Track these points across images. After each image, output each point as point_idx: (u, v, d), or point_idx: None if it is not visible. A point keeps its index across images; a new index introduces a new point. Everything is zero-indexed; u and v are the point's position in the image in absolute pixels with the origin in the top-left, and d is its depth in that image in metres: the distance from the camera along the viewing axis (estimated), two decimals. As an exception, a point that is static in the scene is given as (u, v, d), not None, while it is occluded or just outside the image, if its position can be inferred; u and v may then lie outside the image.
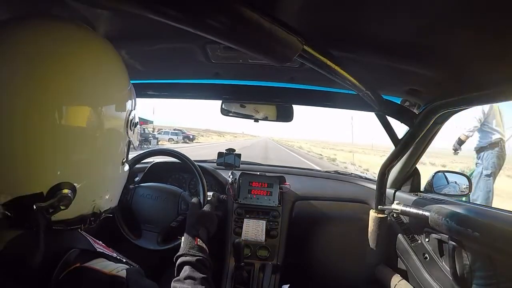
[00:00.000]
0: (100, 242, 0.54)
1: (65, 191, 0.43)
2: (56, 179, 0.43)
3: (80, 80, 0.43)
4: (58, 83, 0.41)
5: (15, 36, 0.41)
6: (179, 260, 0.72)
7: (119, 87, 0.51)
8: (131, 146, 0.59)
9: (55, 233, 0.45)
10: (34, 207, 0.40)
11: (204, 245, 0.78)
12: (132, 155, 1.29)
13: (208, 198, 1.22)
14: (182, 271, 0.68)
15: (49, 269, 0.40)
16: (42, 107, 0.40)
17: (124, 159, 0.55)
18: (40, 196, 0.41)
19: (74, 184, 0.44)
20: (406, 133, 1.08)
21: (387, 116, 1.11)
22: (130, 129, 0.54)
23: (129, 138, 0.54)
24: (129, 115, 0.53)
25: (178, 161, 1.22)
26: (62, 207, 0.43)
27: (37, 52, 0.41)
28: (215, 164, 1.51)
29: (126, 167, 0.59)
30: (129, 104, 0.53)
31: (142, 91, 1.20)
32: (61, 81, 0.42)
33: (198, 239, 0.78)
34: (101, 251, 0.49)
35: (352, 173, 1.79)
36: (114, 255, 0.53)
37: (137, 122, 0.57)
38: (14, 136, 0.40)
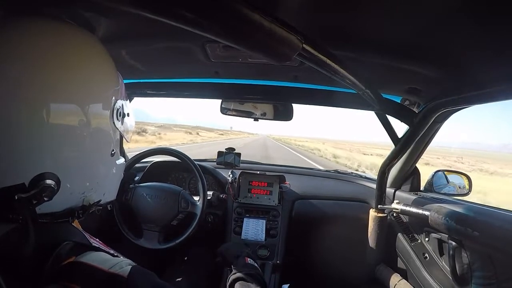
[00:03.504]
0: (97, 239, 0.53)
1: (48, 181, 0.43)
2: (38, 171, 0.42)
3: (66, 77, 0.44)
4: (44, 80, 0.42)
5: (3, 36, 0.42)
6: (230, 279, 0.75)
7: (106, 84, 0.51)
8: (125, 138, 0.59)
9: (46, 226, 0.45)
10: (16, 198, 0.40)
11: (254, 263, 0.82)
12: (131, 154, 1.30)
13: (208, 198, 1.22)
14: None
15: (41, 262, 0.40)
16: (27, 103, 0.41)
17: (113, 151, 0.54)
18: (22, 187, 0.41)
19: (59, 176, 0.44)
20: (406, 132, 1.08)
21: (387, 115, 1.11)
22: (117, 119, 0.53)
23: (117, 129, 0.54)
24: (115, 104, 0.52)
25: (178, 160, 1.22)
26: (45, 198, 0.42)
27: (26, 51, 0.42)
28: (215, 163, 1.51)
29: (120, 160, 0.59)
30: (115, 96, 0.52)
31: (142, 91, 1.20)
32: (48, 79, 0.42)
33: (248, 258, 0.83)
34: (97, 246, 0.49)
35: (352, 172, 1.79)
36: (111, 251, 0.52)
37: (127, 113, 0.56)
38: None
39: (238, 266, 0.79)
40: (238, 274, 0.74)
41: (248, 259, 0.83)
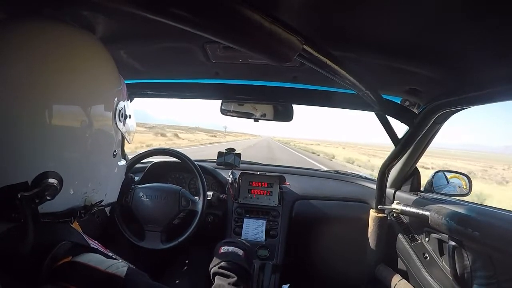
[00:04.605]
0: (96, 241, 0.53)
1: (51, 180, 0.43)
2: (41, 170, 0.42)
3: (67, 78, 0.44)
4: (46, 82, 0.42)
5: (5, 38, 0.42)
6: (211, 273, 0.75)
7: (108, 85, 0.51)
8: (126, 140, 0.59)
9: (46, 225, 0.45)
10: (19, 196, 0.40)
11: (229, 250, 0.80)
12: (132, 154, 1.30)
13: (208, 198, 1.22)
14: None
15: (39, 262, 0.39)
16: (29, 104, 0.41)
17: (115, 151, 0.54)
18: (25, 185, 0.41)
19: (62, 175, 0.44)
20: (406, 133, 1.08)
21: (387, 116, 1.11)
22: (120, 120, 0.53)
23: (120, 130, 0.54)
24: (117, 105, 0.52)
25: (178, 160, 1.22)
26: (47, 197, 0.42)
27: (28, 53, 0.42)
28: (215, 163, 1.51)
29: (122, 162, 0.59)
30: (117, 97, 0.52)
31: (142, 91, 1.20)
32: (49, 80, 0.42)
33: (222, 247, 0.81)
34: (95, 247, 0.48)
35: (352, 173, 1.79)
36: (110, 254, 0.52)
37: (129, 114, 0.56)
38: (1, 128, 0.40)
39: (215, 258, 0.78)
40: (214, 269, 0.74)
41: (223, 248, 0.81)
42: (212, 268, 0.75)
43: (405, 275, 1.19)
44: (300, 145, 51.91)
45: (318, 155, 27.01)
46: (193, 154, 1.28)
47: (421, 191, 1.29)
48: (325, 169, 2.36)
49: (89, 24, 0.60)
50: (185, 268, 1.17)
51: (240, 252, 0.80)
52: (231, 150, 1.48)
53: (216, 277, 0.72)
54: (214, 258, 0.79)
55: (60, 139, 0.44)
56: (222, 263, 0.74)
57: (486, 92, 0.71)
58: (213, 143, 33.79)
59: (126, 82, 0.60)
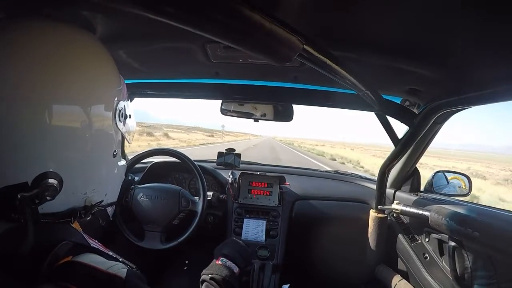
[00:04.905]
0: (96, 241, 0.53)
1: (51, 181, 0.43)
2: (41, 170, 0.43)
3: (67, 78, 0.44)
4: (46, 82, 0.42)
5: (5, 38, 0.42)
6: (201, 278, 0.78)
7: (108, 85, 0.51)
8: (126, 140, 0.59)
9: (46, 226, 0.45)
10: (19, 197, 0.40)
11: (227, 264, 0.81)
12: (132, 154, 1.30)
13: (208, 198, 1.22)
14: None
15: (39, 261, 0.40)
16: (29, 104, 0.41)
17: (115, 151, 0.54)
18: (25, 186, 0.41)
19: (62, 176, 0.44)
20: (406, 133, 1.08)
21: (387, 116, 1.11)
22: (120, 120, 0.53)
23: (120, 130, 0.54)
24: (117, 105, 0.52)
25: (178, 161, 1.22)
26: (47, 198, 0.43)
27: (28, 53, 0.42)
28: (215, 164, 1.51)
29: (122, 162, 0.59)
30: (117, 97, 0.53)
31: (142, 91, 1.20)
32: (50, 80, 0.42)
33: (220, 258, 0.82)
34: (96, 247, 0.49)
35: (352, 173, 1.79)
36: (110, 253, 0.52)
37: (129, 114, 0.57)
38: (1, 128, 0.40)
39: (209, 267, 0.80)
40: (205, 277, 0.76)
41: (221, 258, 0.82)
42: (203, 274, 0.77)
43: (405, 275, 1.19)
44: (304, 145, 47.39)
45: (343, 163, 20.15)
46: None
47: (421, 191, 1.29)
48: (326, 168, 2.36)
49: (89, 24, 0.60)
50: (185, 268, 1.17)
51: (236, 269, 0.81)
52: (231, 151, 1.48)
53: (204, 284, 0.75)
54: (211, 264, 0.80)
55: (60, 139, 0.44)
56: (215, 275, 0.76)
57: (486, 92, 0.72)
58: (205, 144, 28.49)
59: (126, 82, 0.60)
